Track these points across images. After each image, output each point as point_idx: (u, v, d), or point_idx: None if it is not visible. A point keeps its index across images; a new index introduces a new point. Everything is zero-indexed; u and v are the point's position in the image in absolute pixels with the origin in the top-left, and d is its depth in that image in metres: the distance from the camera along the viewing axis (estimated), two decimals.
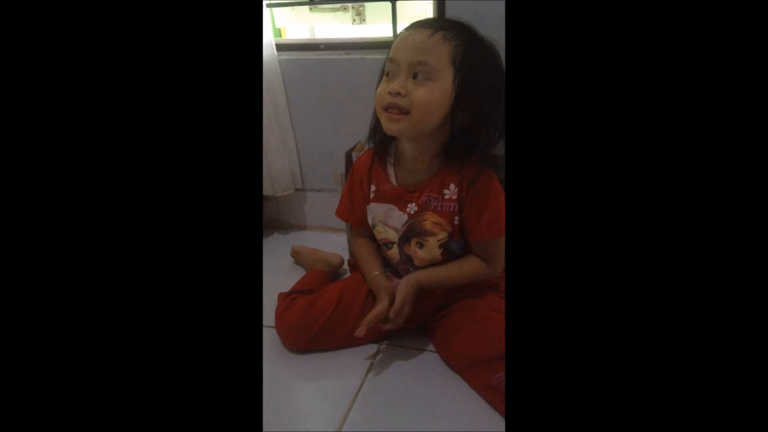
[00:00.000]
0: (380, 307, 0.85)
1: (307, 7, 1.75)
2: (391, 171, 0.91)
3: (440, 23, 0.79)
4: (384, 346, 0.96)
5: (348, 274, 1.13)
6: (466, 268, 0.90)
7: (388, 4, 1.20)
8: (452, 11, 1.08)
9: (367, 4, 2.04)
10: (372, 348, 0.95)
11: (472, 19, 1.09)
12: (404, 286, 0.87)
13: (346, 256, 1.21)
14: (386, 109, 0.79)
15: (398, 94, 0.77)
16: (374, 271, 0.93)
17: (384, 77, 0.81)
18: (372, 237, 0.99)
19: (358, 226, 0.99)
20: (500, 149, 0.86)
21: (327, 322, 0.92)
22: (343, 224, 1.21)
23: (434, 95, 0.77)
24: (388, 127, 0.80)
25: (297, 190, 1.41)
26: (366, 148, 0.97)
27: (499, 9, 1.06)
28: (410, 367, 0.90)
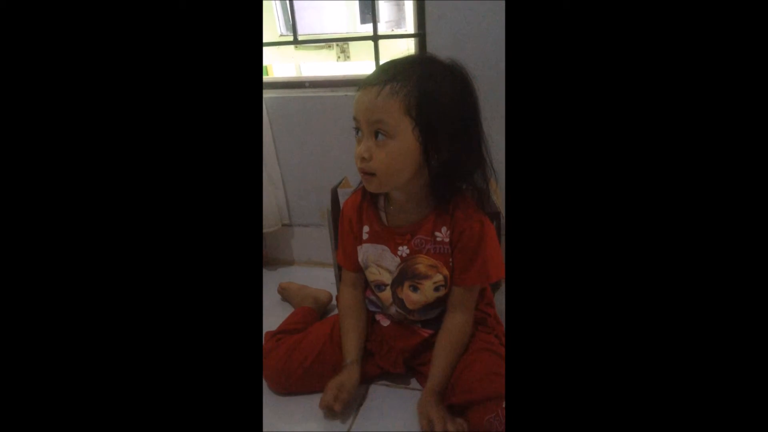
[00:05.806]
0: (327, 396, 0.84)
1: (292, 46, 1.78)
2: (382, 210, 0.89)
3: (387, 75, 0.76)
4: (373, 385, 0.94)
5: (336, 311, 1.11)
6: (456, 336, 0.87)
7: (371, 42, 1.22)
8: (433, 48, 1.10)
9: (351, 42, 2.08)
10: (361, 388, 0.92)
11: (453, 55, 1.11)
12: (432, 409, 0.79)
13: (334, 292, 1.19)
14: (359, 169, 0.80)
15: (363, 158, 0.78)
16: (348, 357, 0.89)
17: (356, 135, 0.81)
18: (362, 286, 0.97)
19: (353, 271, 0.95)
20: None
21: (312, 365, 0.90)
22: (330, 258, 1.20)
23: (395, 154, 0.76)
24: (365, 185, 0.83)
25: (284, 225, 1.40)
26: (352, 185, 0.96)
27: (482, 45, 1.08)
28: (401, 407, 0.88)
